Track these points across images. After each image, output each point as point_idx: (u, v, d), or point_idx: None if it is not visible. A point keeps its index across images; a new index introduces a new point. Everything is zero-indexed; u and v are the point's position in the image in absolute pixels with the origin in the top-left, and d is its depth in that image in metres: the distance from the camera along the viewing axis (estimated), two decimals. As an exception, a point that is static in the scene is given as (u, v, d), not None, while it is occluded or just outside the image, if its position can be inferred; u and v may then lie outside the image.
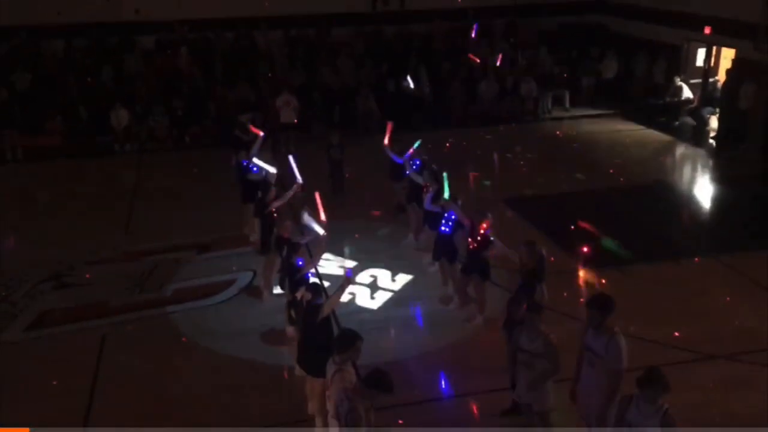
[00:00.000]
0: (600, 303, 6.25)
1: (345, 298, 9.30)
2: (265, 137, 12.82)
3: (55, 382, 8.53)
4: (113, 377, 8.66)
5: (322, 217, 8.64)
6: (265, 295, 10.37)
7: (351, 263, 11.08)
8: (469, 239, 9.32)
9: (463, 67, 20.00)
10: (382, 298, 10.46)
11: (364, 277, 10.99)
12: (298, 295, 8.10)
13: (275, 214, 10.74)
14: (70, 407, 7.99)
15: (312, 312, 7.36)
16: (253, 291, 10.69)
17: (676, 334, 8.97)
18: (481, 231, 9.07)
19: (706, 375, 8.23)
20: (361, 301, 10.31)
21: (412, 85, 17.65)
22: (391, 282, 10.91)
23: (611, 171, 15.72)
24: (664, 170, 16.57)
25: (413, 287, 10.73)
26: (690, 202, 14.64)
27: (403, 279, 10.96)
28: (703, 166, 16.56)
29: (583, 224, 12.34)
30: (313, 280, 8.89)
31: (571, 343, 6.62)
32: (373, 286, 10.76)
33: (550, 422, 6.83)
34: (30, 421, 7.61)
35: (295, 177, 10.69)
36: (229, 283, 11.02)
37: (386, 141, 12.39)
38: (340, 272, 9.99)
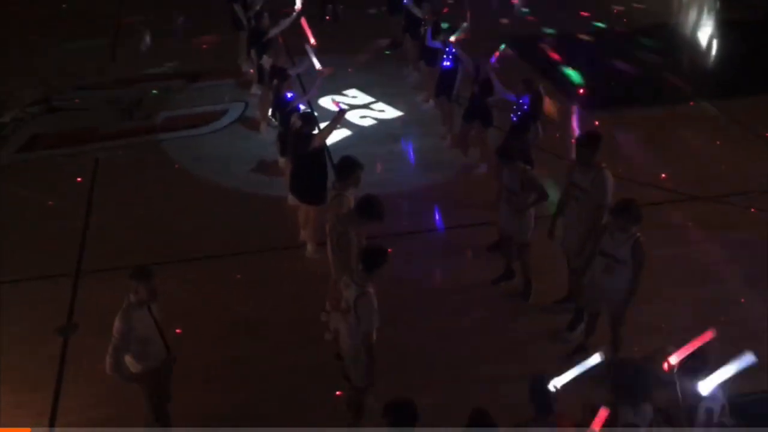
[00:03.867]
0: (588, 140, 6.42)
1: (337, 131, 9.29)
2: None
3: (51, 203, 8.67)
4: (107, 199, 8.79)
5: (312, 42, 8.42)
6: (262, 127, 10.30)
7: (343, 98, 10.95)
8: (473, 85, 8.91)
9: None
10: (376, 132, 10.44)
11: (358, 110, 10.92)
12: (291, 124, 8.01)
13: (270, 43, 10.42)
14: (68, 226, 8.19)
15: (303, 141, 7.32)
16: (247, 122, 10.61)
17: (663, 176, 9.11)
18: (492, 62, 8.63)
19: (685, 214, 8.45)
20: (355, 135, 10.28)
21: None
22: (385, 117, 10.84)
23: (615, 11, 15.22)
24: (668, 13, 16.04)
25: (408, 123, 10.69)
26: (691, 46, 14.33)
27: (398, 114, 10.89)
28: (709, 10, 16.03)
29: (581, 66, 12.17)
30: (304, 110, 8.79)
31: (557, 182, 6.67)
32: (368, 121, 10.72)
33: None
34: (26, 246, 7.80)
35: (294, 4, 10.25)
36: (221, 114, 10.93)
37: None
38: (333, 107, 9.88)
